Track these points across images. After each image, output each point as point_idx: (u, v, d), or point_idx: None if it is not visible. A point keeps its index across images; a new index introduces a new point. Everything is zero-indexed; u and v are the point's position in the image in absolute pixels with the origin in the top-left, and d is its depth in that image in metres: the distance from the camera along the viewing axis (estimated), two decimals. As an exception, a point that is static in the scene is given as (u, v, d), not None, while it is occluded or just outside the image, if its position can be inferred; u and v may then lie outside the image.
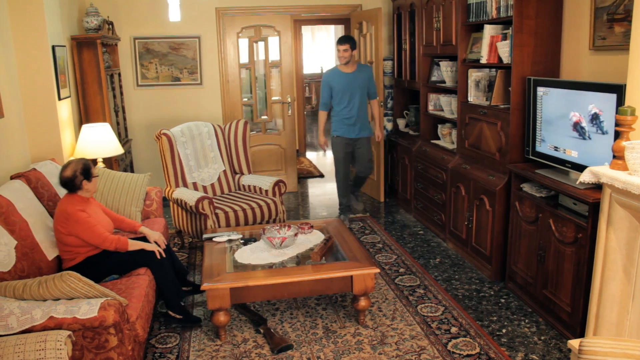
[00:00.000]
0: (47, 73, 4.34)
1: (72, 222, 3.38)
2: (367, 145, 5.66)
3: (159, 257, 3.57)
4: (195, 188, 5.08)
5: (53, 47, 4.37)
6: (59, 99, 4.47)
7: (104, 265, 3.47)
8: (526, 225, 3.78)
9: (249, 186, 5.25)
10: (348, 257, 3.69)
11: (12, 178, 3.65)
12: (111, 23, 5.74)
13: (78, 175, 3.47)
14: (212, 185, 5.21)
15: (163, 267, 3.57)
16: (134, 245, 3.53)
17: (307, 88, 13.56)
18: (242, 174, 5.43)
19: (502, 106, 4.18)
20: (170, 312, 3.66)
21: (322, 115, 5.67)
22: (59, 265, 3.50)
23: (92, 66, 5.10)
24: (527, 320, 3.65)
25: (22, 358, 2.37)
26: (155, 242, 3.68)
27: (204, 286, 3.33)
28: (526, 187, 3.81)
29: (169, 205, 5.35)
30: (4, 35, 4.05)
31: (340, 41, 5.43)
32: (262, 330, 3.57)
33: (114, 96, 5.72)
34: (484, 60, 4.33)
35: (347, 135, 5.54)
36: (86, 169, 3.50)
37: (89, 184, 3.51)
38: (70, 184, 3.47)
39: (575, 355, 1.90)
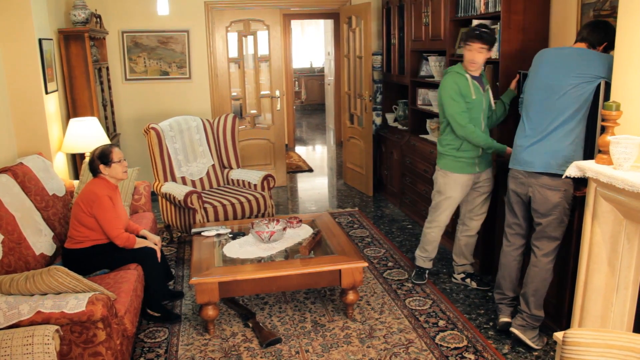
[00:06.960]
0: (34, 66, 4.30)
1: (97, 205, 3.41)
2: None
3: (159, 260, 3.63)
4: (184, 182, 5.06)
5: (40, 40, 4.33)
6: (46, 92, 4.44)
7: (103, 257, 3.49)
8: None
9: (237, 180, 5.25)
10: (336, 251, 3.70)
11: (-2, 172, 3.62)
12: (99, 16, 5.69)
13: (95, 159, 3.51)
14: (201, 179, 5.20)
15: (155, 267, 3.59)
16: (139, 243, 3.58)
17: (296, 83, 13.55)
18: (231, 168, 5.42)
19: (490, 101, 4.21)
20: (149, 311, 3.66)
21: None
22: (46, 260, 3.48)
23: (79, 60, 5.06)
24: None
25: (10, 353, 2.36)
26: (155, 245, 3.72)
27: (193, 280, 3.33)
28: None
29: (157, 200, 5.34)
30: (-10, 28, 4.01)
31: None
32: (250, 324, 3.58)
33: (102, 90, 5.69)
34: (472, 55, 4.34)
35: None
36: (102, 153, 3.53)
37: (107, 168, 3.52)
38: (91, 167, 3.54)
39: (560, 347, 1.93)
